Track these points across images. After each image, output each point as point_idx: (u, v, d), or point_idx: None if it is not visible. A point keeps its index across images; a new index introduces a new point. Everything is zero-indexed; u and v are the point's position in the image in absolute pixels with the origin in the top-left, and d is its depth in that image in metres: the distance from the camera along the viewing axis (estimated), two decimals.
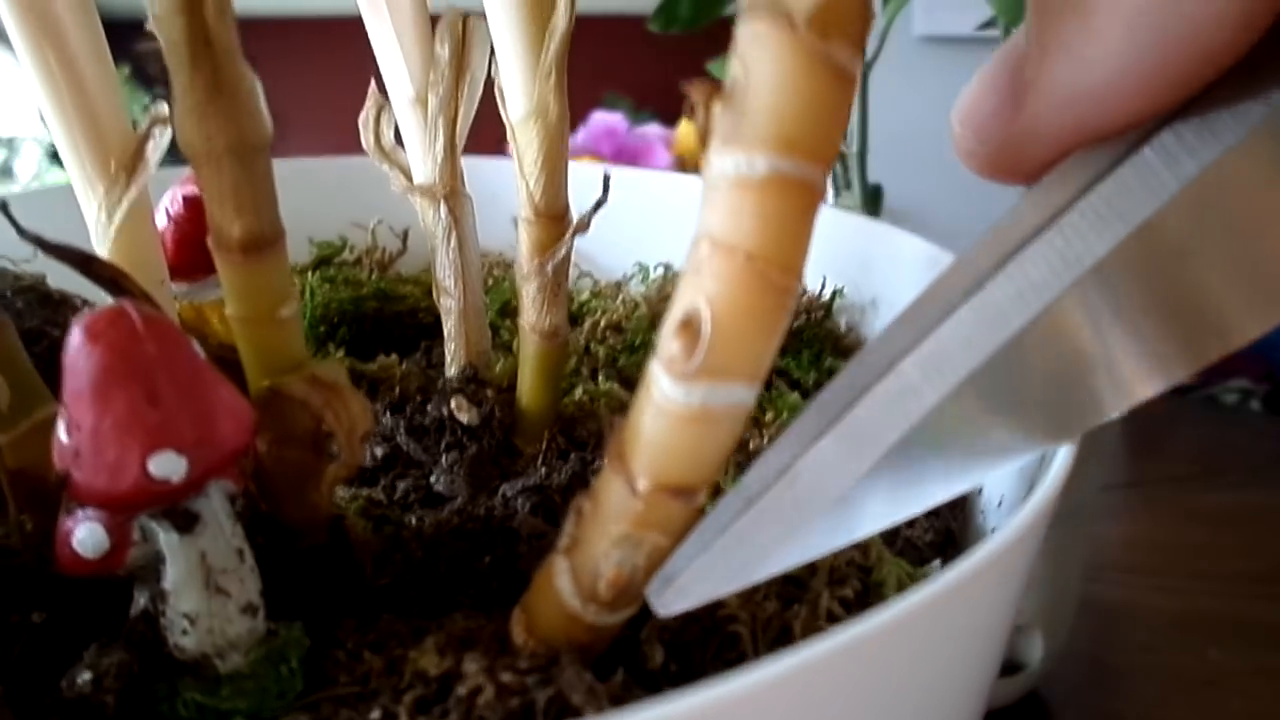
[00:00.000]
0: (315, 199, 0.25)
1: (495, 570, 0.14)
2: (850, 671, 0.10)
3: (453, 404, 0.17)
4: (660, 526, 0.11)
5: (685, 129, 1.14)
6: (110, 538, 0.11)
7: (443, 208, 0.18)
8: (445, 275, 0.19)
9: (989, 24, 0.49)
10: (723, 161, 0.11)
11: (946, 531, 0.19)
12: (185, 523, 0.11)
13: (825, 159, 0.10)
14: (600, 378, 0.21)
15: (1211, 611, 0.57)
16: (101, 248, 0.16)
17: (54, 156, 2.89)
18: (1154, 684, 0.49)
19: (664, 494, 0.11)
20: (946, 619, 0.11)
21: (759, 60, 0.10)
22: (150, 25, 0.13)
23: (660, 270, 0.28)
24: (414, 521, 0.15)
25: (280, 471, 0.13)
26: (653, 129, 1.12)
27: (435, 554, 0.14)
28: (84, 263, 0.14)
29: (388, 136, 0.18)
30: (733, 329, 0.10)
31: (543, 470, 0.17)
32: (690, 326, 0.11)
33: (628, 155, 1.09)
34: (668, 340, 0.11)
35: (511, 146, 0.17)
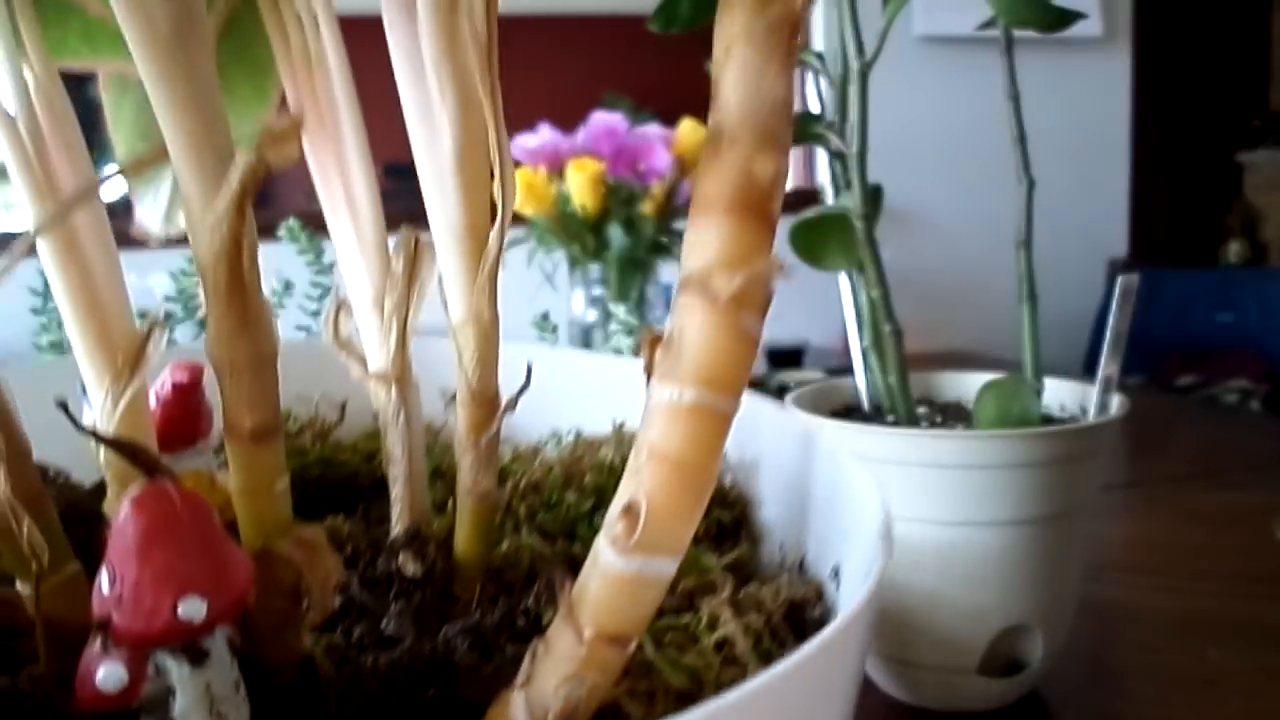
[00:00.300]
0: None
1: (440, 700, 0.17)
2: None
3: (400, 559, 0.20)
4: (600, 669, 0.15)
5: (685, 129, 1.14)
6: (129, 675, 0.14)
7: (394, 391, 0.22)
8: (395, 446, 0.23)
9: (989, 24, 0.49)
10: (660, 392, 0.14)
11: (790, 604, 0.21)
12: (197, 658, 0.14)
13: (735, 393, 0.14)
14: (523, 532, 0.25)
15: (1211, 611, 0.57)
16: (106, 425, 0.19)
17: None
18: (1154, 684, 0.49)
19: (604, 642, 0.15)
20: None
21: (690, 323, 0.13)
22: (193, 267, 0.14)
23: (571, 436, 0.30)
24: (370, 661, 0.18)
25: (264, 618, 0.16)
26: (653, 129, 1.12)
27: (389, 688, 0.17)
28: (130, 452, 0.18)
29: (345, 330, 0.22)
30: (663, 517, 0.14)
31: (478, 614, 0.20)
32: (632, 512, 0.14)
33: (627, 155, 1.09)
34: (613, 522, 0.14)
35: (451, 343, 0.21)
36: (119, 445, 0.17)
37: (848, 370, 0.52)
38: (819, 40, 2.30)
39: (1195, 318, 2.42)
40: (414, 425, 0.23)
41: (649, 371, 0.14)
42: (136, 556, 0.14)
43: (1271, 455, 0.97)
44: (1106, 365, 0.45)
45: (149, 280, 0.99)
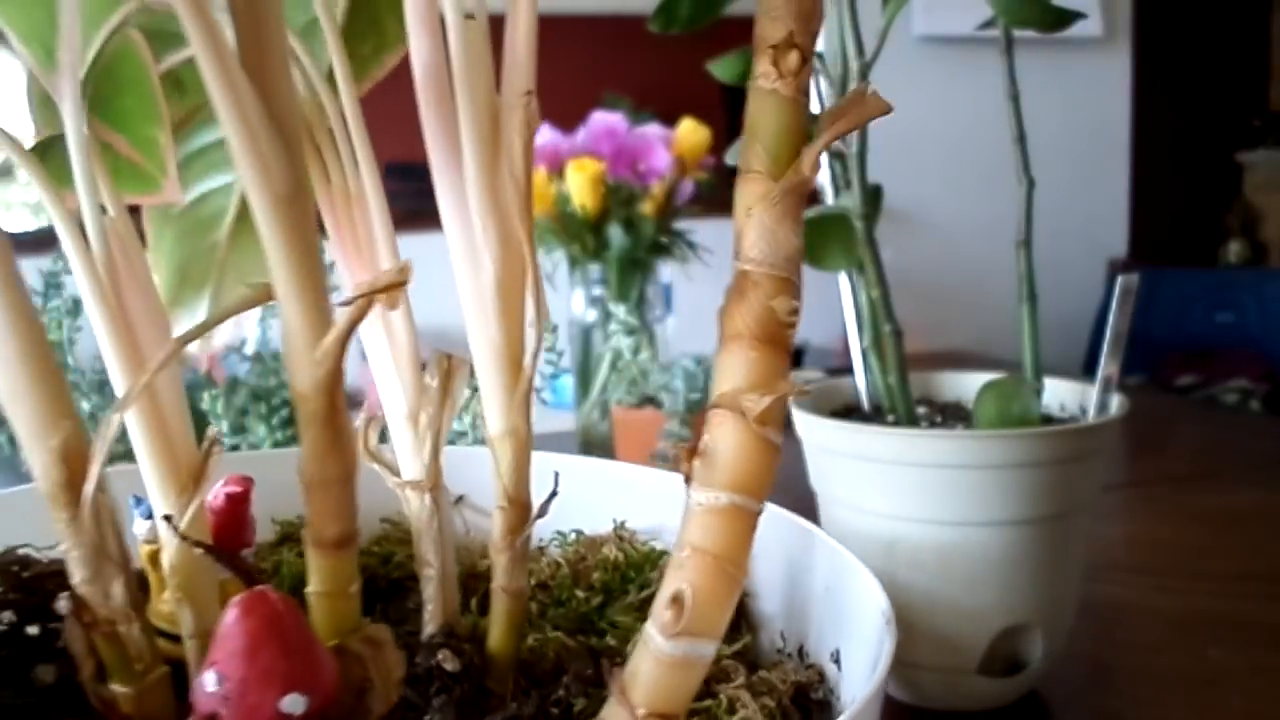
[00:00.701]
0: (275, 484, 0.28)
1: None
2: None
3: (439, 656, 0.22)
4: None
5: (685, 129, 1.14)
6: None
7: (427, 498, 0.24)
8: (428, 551, 0.24)
9: (989, 24, 0.49)
10: (699, 495, 0.16)
11: (796, 686, 0.23)
12: None
13: (763, 495, 0.16)
14: (546, 628, 0.26)
15: (1211, 611, 0.57)
16: (171, 535, 0.20)
17: None
18: (1154, 684, 0.49)
19: (654, 719, 0.16)
20: None
21: (723, 436, 0.16)
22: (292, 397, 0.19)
23: (574, 536, 0.32)
24: None
25: (335, 711, 0.17)
26: (653, 129, 1.12)
27: None
28: (230, 560, 0.20)
29: (373, 442, 0.23)
30: (705, 605, 0.16)
31: (514, 705, 0.22)
32: (678, 602, 0.16)
33: (627, 155, 1.09)
34: (660, 611, 0.16)
35: (491, 454, 0.23)
36: (219, 554, 0.20)
37: (848, 370, 0.52)
38: (819, 40, 2.30)
39: (1195, 317, 2.42)
40: (446, 530, 0.24)
41: (687, 479, 0.16)
42: (243, 657, 0.15)
43: (1271, 455, 0.97)
44: (1106, 365, 0.45)
45: None
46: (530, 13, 0.22)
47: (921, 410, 0.52)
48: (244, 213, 0.27)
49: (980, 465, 0.42)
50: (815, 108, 0.51)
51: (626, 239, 1.06)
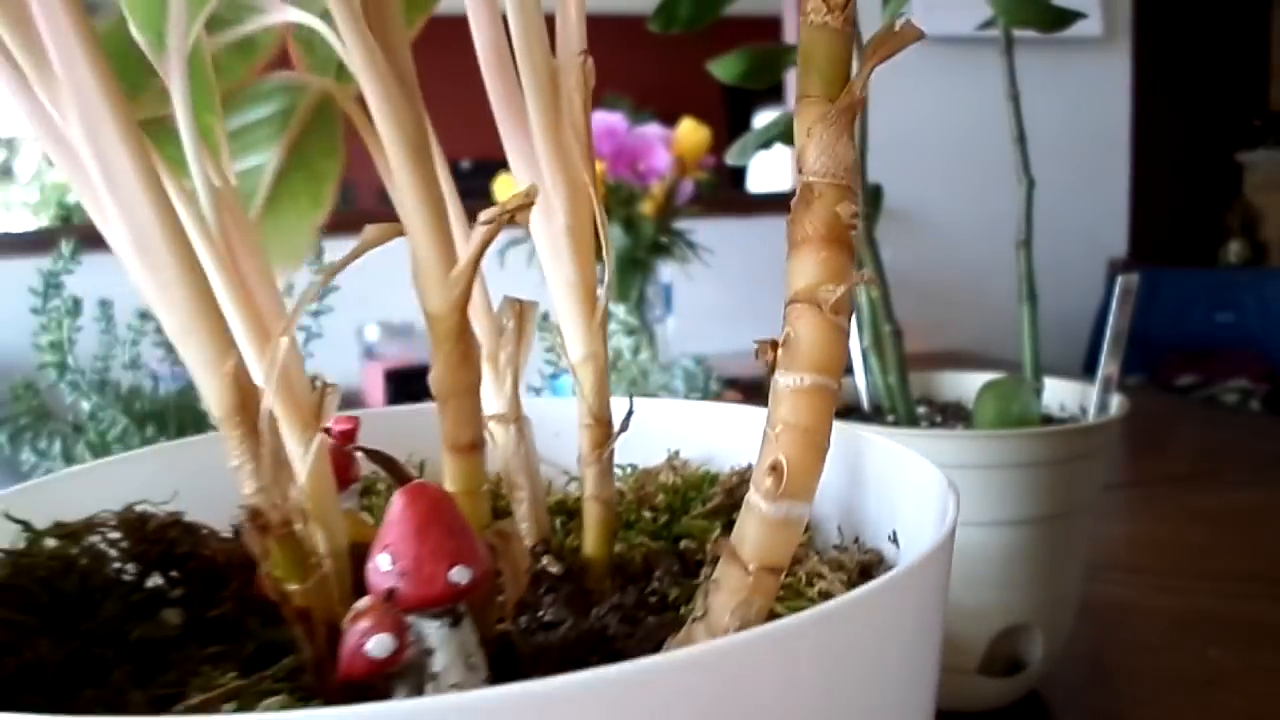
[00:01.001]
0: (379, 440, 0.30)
1: (602, 661, 0.21)
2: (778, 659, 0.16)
3: (544, 561, 0.25)
4: (763, 593, 0.19)
5: (685, 129, 1.14)
6: (395, 642, 0.17)
7: (512, 429, 0.27)
8: (518, 475, 0.27)
9: (989, 24, 0.49)
10: (785, 379, 0.19)
11: (860, 565, 0.25)
12: (456, 619, 0.18)
13: (839, 375, 0.19)
14: (630, 537, 0.30)
15: (1211, 611, 0.57)
16: (302, 469, 0.22)
17: None
18: (1154, 684, 0.49)
19: (765, 572, 0.19)
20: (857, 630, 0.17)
21: (802, 327, 0.19)
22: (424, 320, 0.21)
23: (630, 469, 0.34)
24: (546, 638, 0.22)
25: (486, 588, 0.20)
26: (653, 129, 1.12)
27: (566, 657, 0.22)
28: (388, 462, 0.23)
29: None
30: (799, 471, 0.18)
31: (615, 597, 0.24)
32: (776, 469, 0.18)
33: (627, 155, 1.09)
34: (760, 479, 0.19)
35: (574, 377, 0.26)
36: (381, 458, 0.22)
37: (848, 370, 0.52)
38: None
39: (1195, 317, 2.42)
40: (532, 455, 0.27)
41: (771, 367, 0.19)
42: (415, 537, 0.17)
43: (1271, 455, 0.97)
44: (1106, 365, 0.45)
45: None
46: None
47: (921, 410, 0.52)
48: (275, 193, 0.28)
49: (980, 465, 0.42)
50: None
51: (626, 239, 1.06)
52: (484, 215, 0.20)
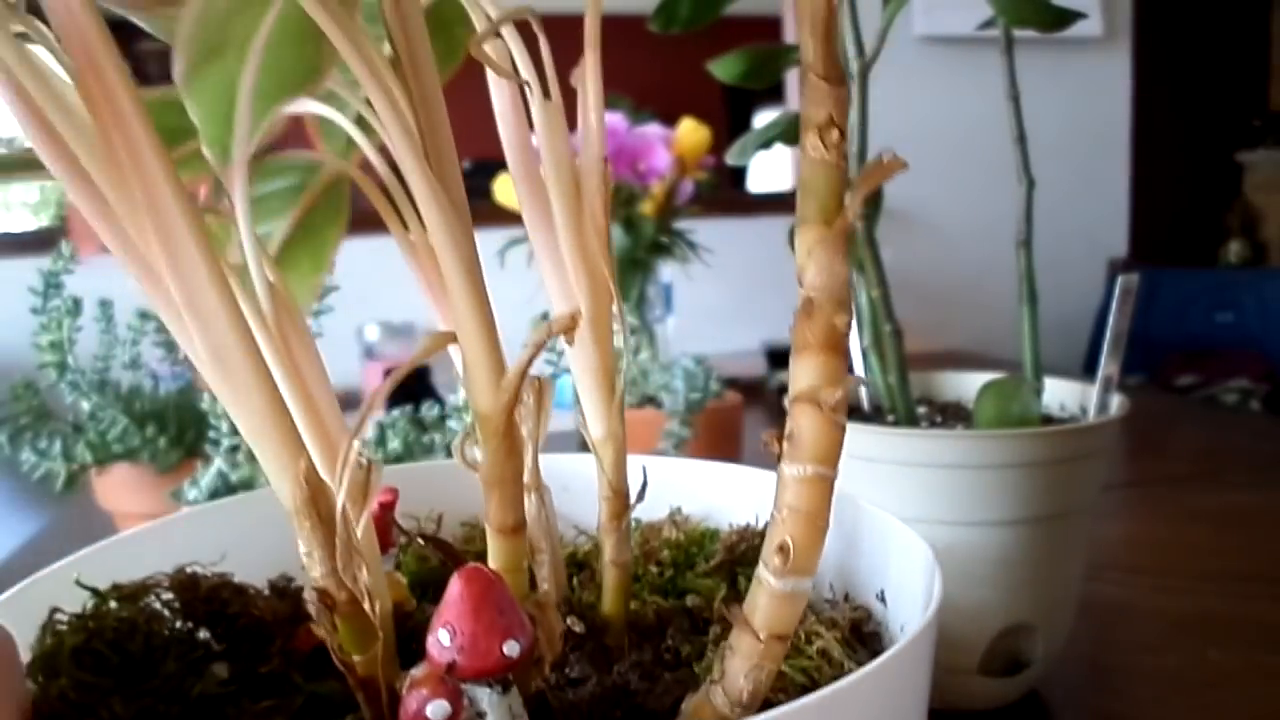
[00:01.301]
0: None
1: (625, 715, 0.24)
2: None
3: (568, 621, 0.26)
4: (772, 659, 0.22)
5: (685, 129, 1.14)
6: (451, 708, 0.19)
7: (534, 496, 0.28)
8: (539, 539, 0.28)
9: (989, 24, 0.49)
10: (790, 469, 0.21)
11: (851, 622, 0.27)
12: (505, 686, 0.20)
13: (836, 465, 0.21)
14: (644, 593, 0.32)
15: (1211, 611, 0.57)
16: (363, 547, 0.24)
17: None
18: (1154, 684, 0.49)
19: (774, 639, 0.21)
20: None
21: (805, 423, 0.21)
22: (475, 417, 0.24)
23: (635, 523, 0.35)
24: (575, 694, 0.25)
25: (531, 657, 0.22)
26: (653, 129, 1.12)
27: (594, 711, 0.24)
28: (444, 547, 0.26)
29: (470, 454, 0.26)
30: (803, 550, 0.21)
31: (633, 655, 0.27)
32: (783, 550, 0.21)
33: (627, 155, 1.09)
34: (770, 557, 0.21)
35: (594, 454, 0.29)
36: (439, 543, 0.26)
37: (848, 370, 0.52)
38: None
39: (1195, 317, 2.42)
40: (551, 521, 0.29)
41: (777, 457, 0.21)
42: (471, 615, 0.20)
43: (1271, 455, 0.97)
44: (1106, 365, 0.45)
45: None
46: (598, 93, 0.27)
47: (921, 410, 0.52)
48: (280, 258, 0.30)
49: (980, 465, 0.42)
50: None
51: (626, 239, 1.06)
52: (532, 336, 0.23)
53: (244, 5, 0.22)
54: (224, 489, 0.60)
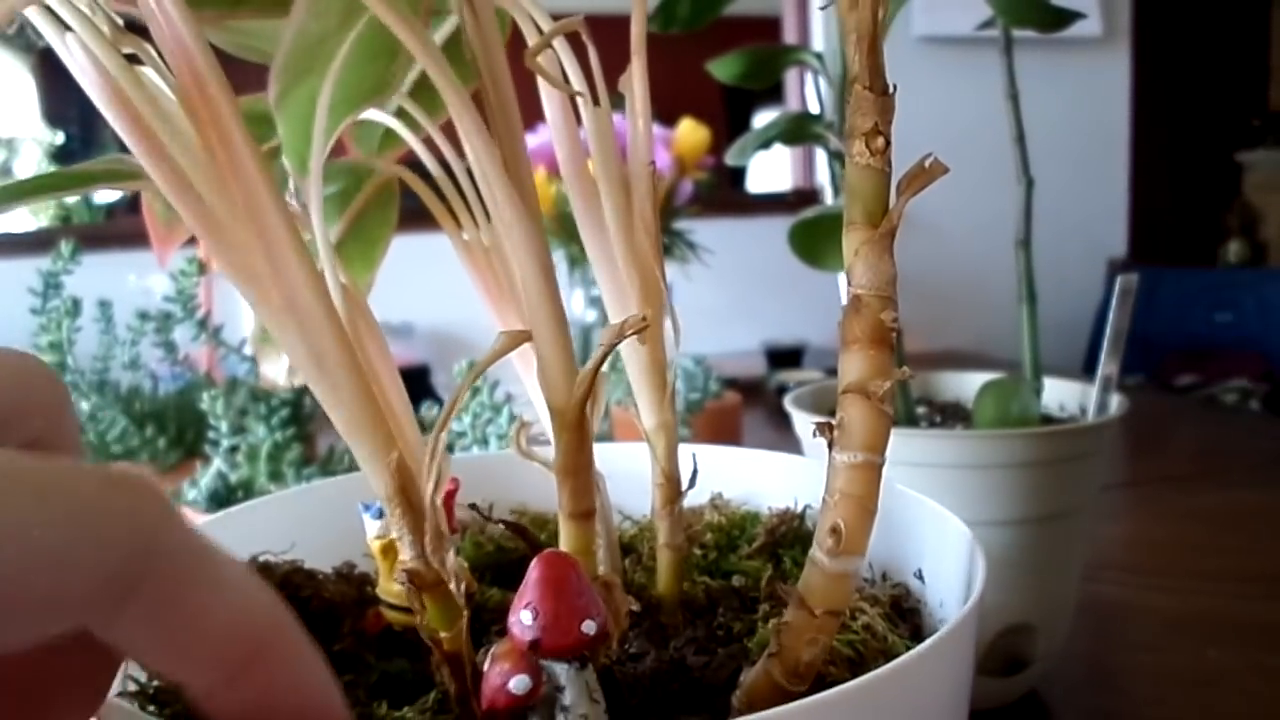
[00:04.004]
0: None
1: (683, 688, 0.26)
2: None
3: (628, 601, 0.28)
4: (826, 633, 0.23)
5: (685, 129, 1.14)
6: (532, 682, 0.21)
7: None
8: (597, 524, 0.28)
9: (989, 24, 0.49)
10: (840, 456, 0.22)
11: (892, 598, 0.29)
12: (583, 663, 0.21)
13: (884, 452, 0.22)
14: (694, 574, 0.33)
15: (1211, 611, 0.57)
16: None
17: (53, 156, 2.87)
18: (1154, 684, 0.49)
19: (828, 615, 0.23)
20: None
21: (854, 413, 0.22)
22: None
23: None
24: (635, 668, 0.26)
25: (604, 635, 0.23)
26: (652, 128, 1.12)
27: (654, 684, 0.25)
28: (523, 531, 0.27)
29: (524, 444, 0.28)
30: (854, 532, 0.22)
31: (687, 632, 0.28)
32: (836, 532, 0.22)
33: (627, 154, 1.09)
34: (824, 539, 0.22)
35: (648, 444, 0.30)
36: (517, 528, 0.27)
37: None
38: (819, 40, 2.30)
39: (1195, 317, 2.42)
40: (606, 507, 0.30)
41: (830, 444, 0.23)
42: (552, 597, 0.21)
43: (1271, 455, 0.97)
44: (1106, 365, 0.45)
45: (148, 280, 0.99)
46: (644, 99, 0.29)
47: (921, 410, 0.52)
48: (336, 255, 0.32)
49: (980, 465, 0.42)
50: (814, 108, 0.51)
51: None
52: (604, 336, 0.24)
53: (330, 32, 0.25)
54: (223, 489, 0.60)
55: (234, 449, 0.62)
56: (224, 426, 0.61)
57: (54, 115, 3.09)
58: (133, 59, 0.22)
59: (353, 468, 0.36)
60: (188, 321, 0.70)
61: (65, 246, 0.69)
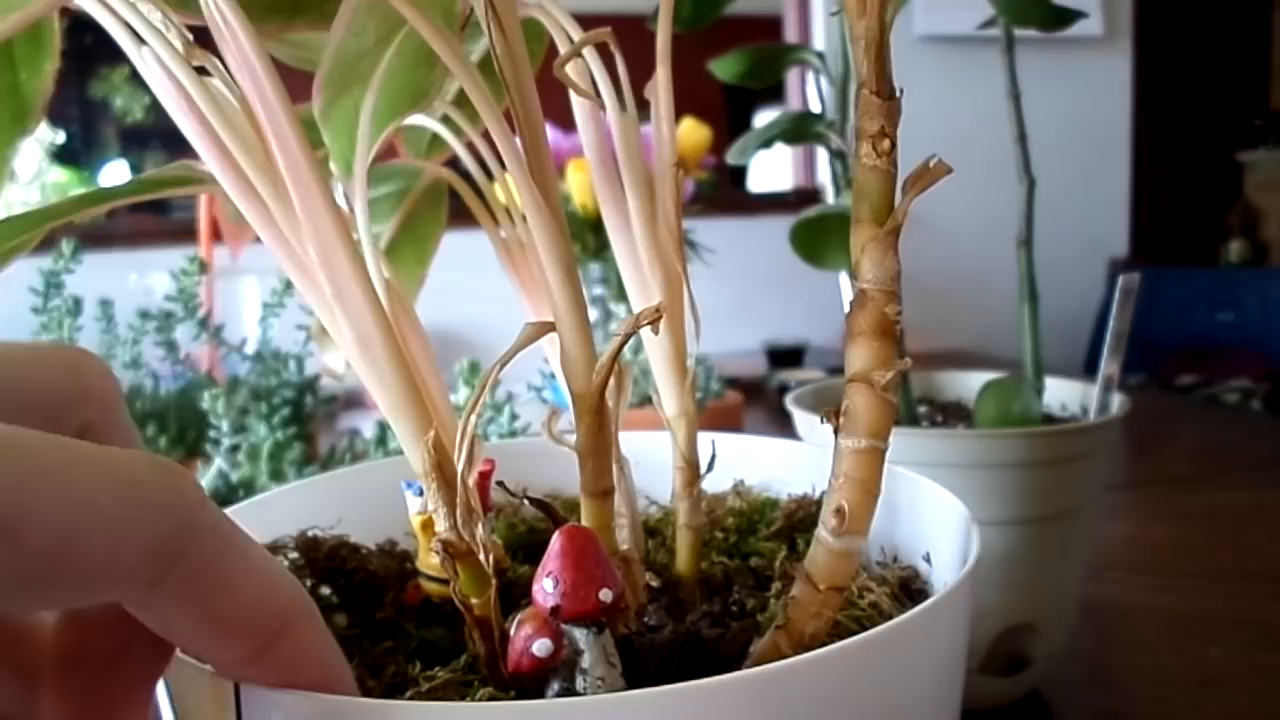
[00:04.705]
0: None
1: (698, 659, 0.27)
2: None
3: (646, 577, 0.29)
4: (831, 607, 0.24)
5: (685, 128, 1.14)
6: (554, 645, 0.22)
7: (615, 467, 0.30)
8: (620, 505, 0.30)
9: (989, 23, 0.49)
10: (846, 441, 0.23)
11: (900, 579, 0.30)
12: (600, 628, 0.23)
13: (887, 438, 0.23)
14: (710, 555, 0.34)
15: (1211, 611, 0.57)
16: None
17: (54, 156, 2.88)
18: (1154, 683, 0.49)
19: (832, 590, 0.24)
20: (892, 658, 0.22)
21: (859, 401, 0.23)
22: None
23: (702, 494, 0.38)
24: (653, 639, 0.27)
25: (621, 605, 0.25)
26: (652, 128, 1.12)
27: (671, 654, 0.27)
28: (548, 508, 0.27)
29: (556, 431, 0.30)
30: (857, 513, 0.23)
31: (704, 607, 0.29)
32: (840, 512, 0.23)
33: None
34: (828, 518, 0.24)
35: (668, 430, 0.32)
36: (541, 504, 0.27)
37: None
38: (819, 40, 2.30)
39: (1196, 317, 2.42)
40: (630, 489, 0.31)
41: (836, 431, 0.24)
42: (572, 567, 0.22)
43: (1272, 455, 0.97)
44: (1107, 365, 0.45)
45: (150, 279, 0.99)
46: (669, 104, 0.31)
47: (922, 410, 0.52)
48: (388, 256, 0.33)
49: (980, 465, 0.42)
50: (815, 107, 0.51)
51: None
52: (621, 326, 0.25)
53: (368, 49, 0.27)
54: (224, 489, 0.60)
55: (235, 448, 0.62)
56: (225, 426, 0.61)
57: (54, 115, 3.09)
58: (201, 70, 0.24)
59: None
60: (189, 321, 0.70)
61: (66, 245, 0.69)
